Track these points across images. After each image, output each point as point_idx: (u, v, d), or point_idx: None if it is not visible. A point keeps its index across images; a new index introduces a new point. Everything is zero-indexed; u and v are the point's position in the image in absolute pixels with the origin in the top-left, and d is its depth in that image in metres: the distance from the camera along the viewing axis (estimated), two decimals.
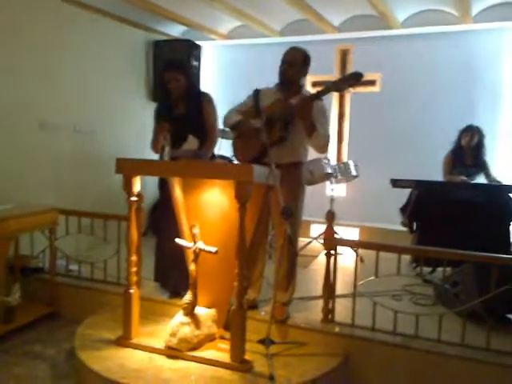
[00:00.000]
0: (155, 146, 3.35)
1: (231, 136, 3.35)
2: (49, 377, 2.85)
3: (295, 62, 3.10)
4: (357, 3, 4.87)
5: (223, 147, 4.50)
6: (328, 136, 3.12)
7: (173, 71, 3.34)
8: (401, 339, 2.83)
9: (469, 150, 4.64)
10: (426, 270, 4.01)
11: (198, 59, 5.80)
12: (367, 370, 2.83)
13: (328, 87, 2.95)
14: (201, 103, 3.39)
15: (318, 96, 2.97)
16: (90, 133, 4.84)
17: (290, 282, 3.13)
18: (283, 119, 3.02)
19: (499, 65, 5.23)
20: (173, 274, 3.35)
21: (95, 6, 4.77)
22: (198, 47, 5.83)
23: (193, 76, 4.98)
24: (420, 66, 5.49)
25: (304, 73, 3.18)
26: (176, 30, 5.98)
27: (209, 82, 6.19)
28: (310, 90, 3.83)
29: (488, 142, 4.69)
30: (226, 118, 3.26)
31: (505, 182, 4.52)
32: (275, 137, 3.00)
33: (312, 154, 3.26)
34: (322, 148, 3.11)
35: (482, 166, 4.63)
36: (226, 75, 6.29)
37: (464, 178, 4.49)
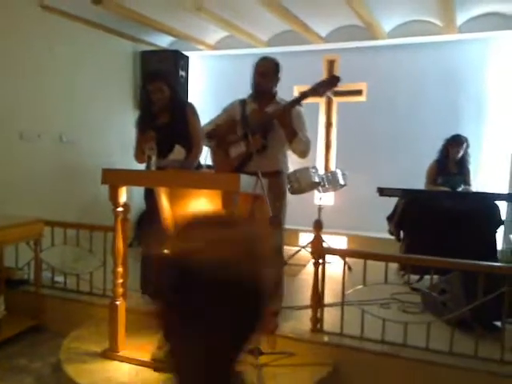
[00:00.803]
0: (139, 155, 3.34)
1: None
2: None
3: (267, 72, 3.17)
4: (343, 14, 4.90)
5: (209, 157, 4.48)
6: (308, 141, 3.16)
7: (157, 82, 3.34)
8: (389, 348, 2.83)
9: (454, 159, 4.66)
10: (414, 277, 4.01)
11: (186, 70, 5.81)
12: (356, 380, 2.82)
13: (305, 93, 3.01)
14: (186, 113, 3.39)
15: (296, 103, 3.02)
16: (76, 142, 4.80)
17: (277, 293, 3.11)
18: (262, 128, 3.05)
19: (483, 74, 5.30)
20: None
21: (83, 16, 4.75)
22: (186, 58, 5.83)
23: (177, 86, 4.97)
24: (405, 76, 5.54)
25: (276, 81, 3.24)
26: (163, 41, 5.98)
27: (196, 92, 6.20)
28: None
29: (472, 151, 4.73)
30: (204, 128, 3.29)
31: (490, 190, 4.56)
32: (256, 146, 3.02)
33: (295, 162, 3.28)
34: (304, 153, 3.16)
35: (465, 175, 4.65)
36: (214, 85, 6.30)
37: (447, 189, 4.51)
